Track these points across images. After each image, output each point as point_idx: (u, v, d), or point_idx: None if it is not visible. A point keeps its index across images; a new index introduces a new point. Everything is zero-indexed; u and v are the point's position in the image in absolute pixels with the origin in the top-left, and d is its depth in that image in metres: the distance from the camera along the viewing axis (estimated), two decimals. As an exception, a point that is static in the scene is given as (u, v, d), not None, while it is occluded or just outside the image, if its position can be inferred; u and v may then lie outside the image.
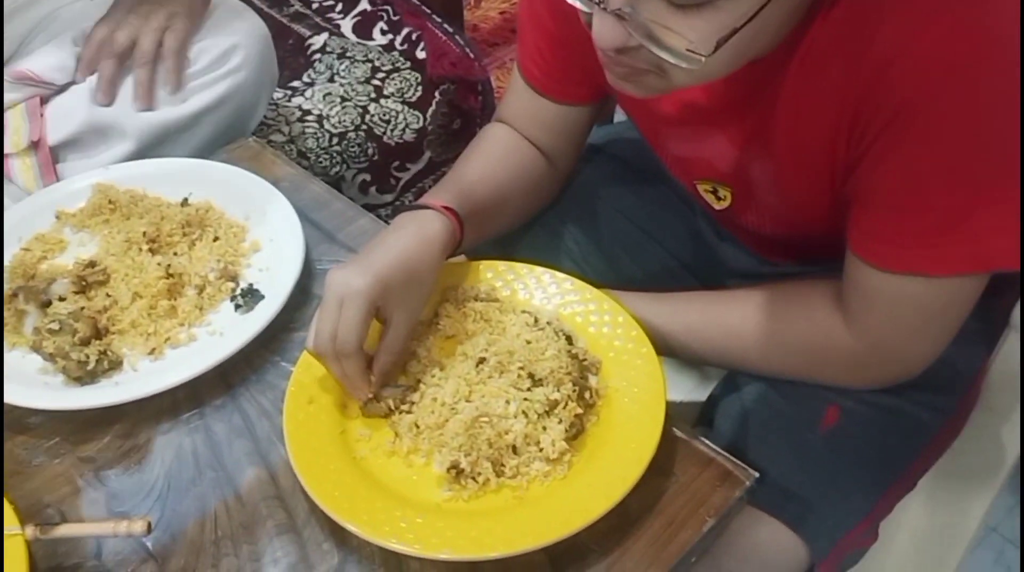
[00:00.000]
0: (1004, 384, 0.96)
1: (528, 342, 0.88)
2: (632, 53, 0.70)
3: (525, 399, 0.82)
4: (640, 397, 0.84)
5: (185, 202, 1.08)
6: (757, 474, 0.82)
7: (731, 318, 0.93)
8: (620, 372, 0.87)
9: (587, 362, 0.88)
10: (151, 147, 1.18)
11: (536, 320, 0.91)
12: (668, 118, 0.91)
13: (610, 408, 0.85)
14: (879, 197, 0.79)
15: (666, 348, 0.95)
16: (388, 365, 0.86)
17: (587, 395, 0.84)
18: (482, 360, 0.86)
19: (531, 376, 0.84)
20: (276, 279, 0.99)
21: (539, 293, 0.95)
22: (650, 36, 0.68)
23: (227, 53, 1.21)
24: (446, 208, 0.91)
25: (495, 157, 1.03)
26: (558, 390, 0.83)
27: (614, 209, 1.13)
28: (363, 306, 0.81)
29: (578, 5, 0.71)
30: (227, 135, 1.23)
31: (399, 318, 0.85)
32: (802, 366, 0.91)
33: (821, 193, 0.86)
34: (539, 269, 0.97)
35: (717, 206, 0.98)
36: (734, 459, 0.83)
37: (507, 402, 0.82)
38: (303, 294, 1.00)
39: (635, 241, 1.13)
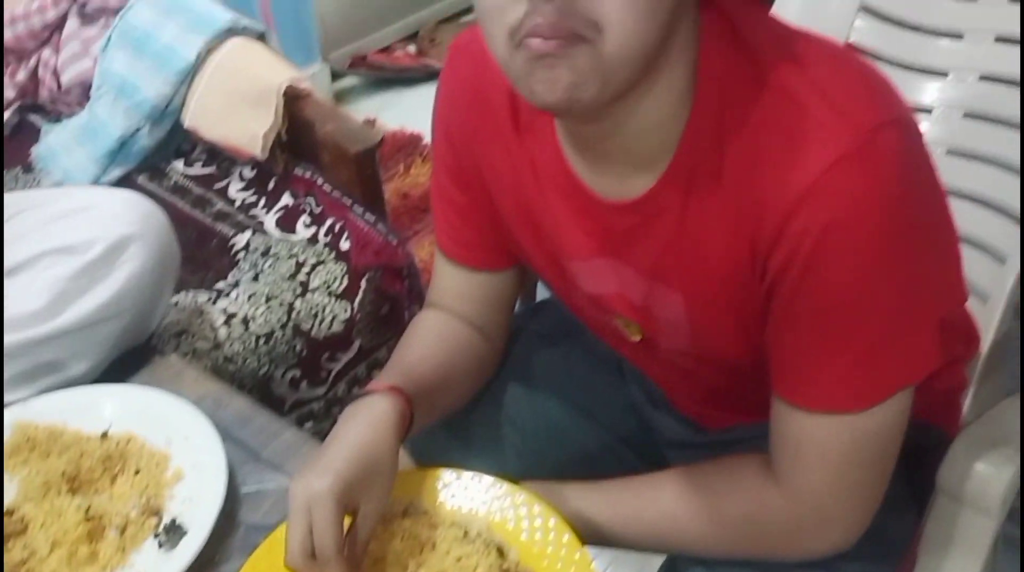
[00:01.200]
0: (937, 548, 0.96)
1: (458, 559, 0.87)
2: (561, 14, 0.69)
3: (456, 625, 0.80)
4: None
5: (105, 435, 1.06)
6: None
7: (665, 501, 0.93)
8: (554, 580, 0.86)
9: (520, 573, 0.86)
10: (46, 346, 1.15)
11: (466, 533, 0.90)
12: (574, 256, 0.92)
13: (546, 622, 0.83)
14: (795, 336, 0.80)
15: (606, 539, 0.94)
16: (360, 555, 0.85)
17: (520, 612, 0.83)
18: (411, 585, 0.85)
19: (462, 599, 0.82)
20: (200, 510, 0.97)
21: (468, 500, 0.94)
22: None
23: (122, 244, 1.17)
24: (391, 388, 0.91)
25: (431, 339, 1.04)
26: (489, 612, 0.81)
27: (546, 387, 1.14)
28: (332, 508, 0.80)
29: None
30: (130, 330, 1.19)
31: (366, 510, 0.84)
32: (741, 540, 0.90)
33: (732, 330, 0.86)
34: (467, 474, 0.96)
35: (632, 339, 0.98)
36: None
37: (437, 632, 0.80)
38: (229, 522, 0.98)
39: (570, 419, 1.13)
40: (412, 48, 3.33)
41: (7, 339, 1.12)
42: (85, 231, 1.18)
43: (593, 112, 0.76)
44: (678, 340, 0.92)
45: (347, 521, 0.84)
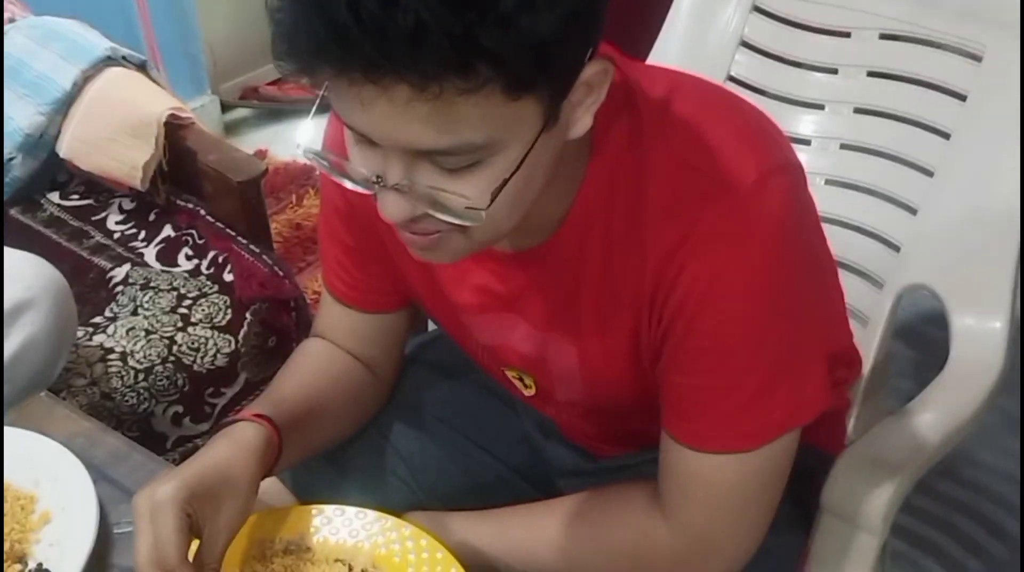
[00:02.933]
0: (824, 565, 0.97)
1: (341, 595, 0.84)
2: (423, 221, 0.71)
3: (339, 664, 0.77)
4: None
5: (-35, 478, 1.00)
6: None
7: (551, 531, 0.92)
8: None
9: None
10: None
11: (350, 568, 0.87)
12: (469, 309, 0.91)
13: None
14: (685, 378, 0.81)
15: (494, 569, 0.93)
16: (213, 569, 0.80)
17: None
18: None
19: (345, 637, 0.80)
20: (68, 554, 0.91)
21: (353, 535, 0.92)
22: (432, 202, 0.69)
23: (19, 308, 1.16)
24: (258, 416, 0.88)
25: (310, 370, 1.01)
26: (374, 649, 0.78)
27: (437, 419, 1.12)
28: (174, 513, 0.77)
29: (358, 189, 0.72)
30: (22, 393, 1.16)
31: (214, 526, 0.80)
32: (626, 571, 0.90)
33: (627, 377, 0.87)
34: (350, 509, 0.93)
35: (526, 393, 0.98)
36: None
37: (318, 674, 0.77)
38: (101, 564, 0.93)
39: (462, 451, 1.12)
40: (305, 79, 3.29)
41: None
42: None
43: None
44: (571, 391, 0.92)
45: (194, 545, 0.80)
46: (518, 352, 0.92)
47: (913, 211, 1.13)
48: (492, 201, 0.69)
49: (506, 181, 0.69)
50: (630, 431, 0.99)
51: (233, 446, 0.85)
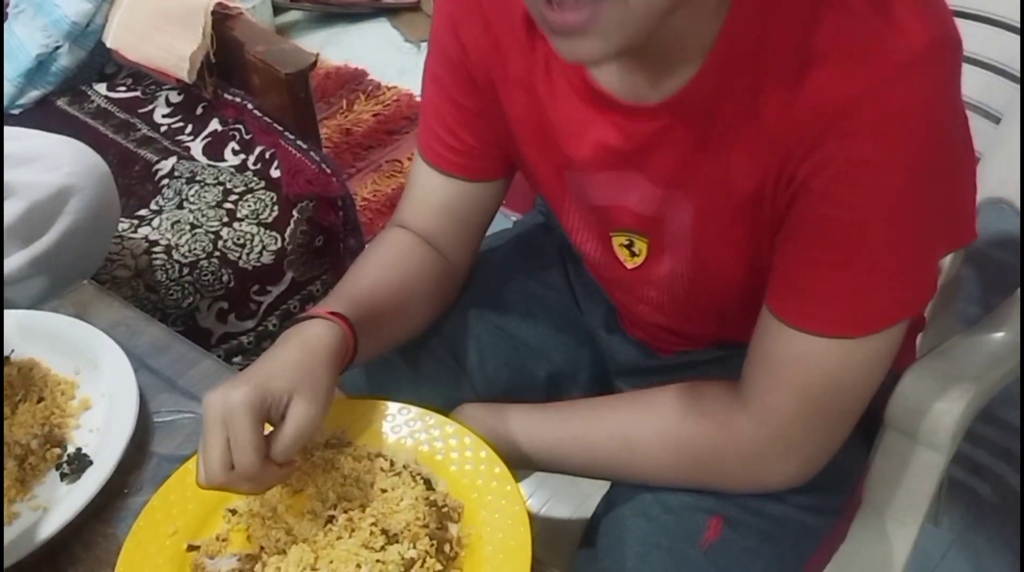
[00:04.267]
0: (884, 482, 0.93)
1: (383, 491, 0.82)
2: None
3: (378, 560, 0.75)
4: (505, 544, 0.78)
5: (7, 360, 0.99)
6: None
7: (616, 422, 0.89)
8: (484, 516, 0.81)
9: (447, 509, 0.81)
10: None
11: (392, 464, 0.85)
12: (587, 165, 0.86)
13: (473, 558, 0.79)
14: (806, 249, 0.76)
15: (549, 463, 0.91)
16: (283, 468, 0.79)
17: (447, 547, 0.78)
18: (331, 518, 0.80)
19: (385, 532, 0.77)
20: (108, 440, 0.90)
21: (395, 431, 0.89)
22: None
23: (62, 194, 1.14)
24: (333, 314, 0.84)
25: (390, 262, 0.97)
26: (414, 547, 0.76)
27: (496, 326, 1.08)
28: (250, 416, 0.74)
29: None
30: (66, 280, 1.14)
31: (285, 429, 0.77)
32: (694, 465, 0.86)
33: (741, 250, 0.82)
34: (394, 405, 0.91)
35: (630, 264, 0.92)
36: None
37: (358, 566, 0.75)
38: (140, 452, 0.92)
39: (526, 351, 1.08)
40: None
41: None
42: (26, 178, 1.13)
43: None
44: (680, 259, 0.87)
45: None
46: (634, 212, 0.86)
47: (996, 119, 1.06)
48: None
49: None
50: (709, 323, 0.95)
51: (305, 348, 0.81)
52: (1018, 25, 1.06)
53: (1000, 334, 0.96)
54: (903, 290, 0.77)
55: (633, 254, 0.91)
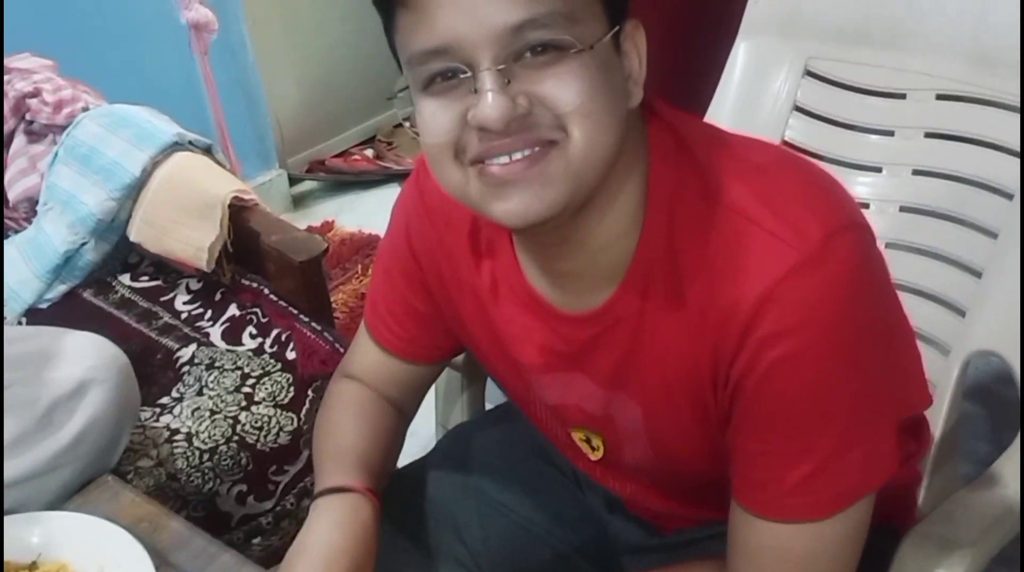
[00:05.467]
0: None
1: None
2: (520, 127, 0.71)
3: None
4: None
5: (33, 565, 1.02)
6: None
7: None
8: None
9: None
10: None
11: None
12: (534, 367, 0.91)
13: None
14: (755, 444, 0.79)
15: None
16: None
17: None
18: None
19: None
20: (130, 641, 0.92)
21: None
22: (529, 90, 0.71)
23: (82, 388, 1.19)
24: (369, 490, 0.88)
25: (374, 425, 1.02)
26: None
27: (498, 501, 1.11)
28: None
29: (449, 124, 0.73)
30: (87, 473, 1.18)
31: None
32: None
33: (694, 437, 0.85)
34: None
35: (592, 457, 0.96)
36: None
37: None
38: (161, 652, 0.94)
39: (524, 531, 1.10)
40: (370, 152, 3.36)
41: None
42: (46, 375, 1.18)
43: (559, 225, 0.76)
44: (638, 451, 0.91)
45: None
46: (584, 410, 0.91)
47: (977, 274, 1.10)
48: (584, 97, 0.70)
49: (591, 80, 0.71)
50: (697, 502, 0.97)
51: (339, 530, 0.85)
52: (997, 186, 1.11)
53: (1000, 490, 0.97)
54: (862, 468, 0.78)
55: (593, 448, 0.95)
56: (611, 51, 0.74)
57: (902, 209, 1.19)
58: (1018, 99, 1.10)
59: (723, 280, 0.75)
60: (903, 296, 1.13)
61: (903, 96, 1.21)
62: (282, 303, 1.59)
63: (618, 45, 0.75)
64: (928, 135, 1.19)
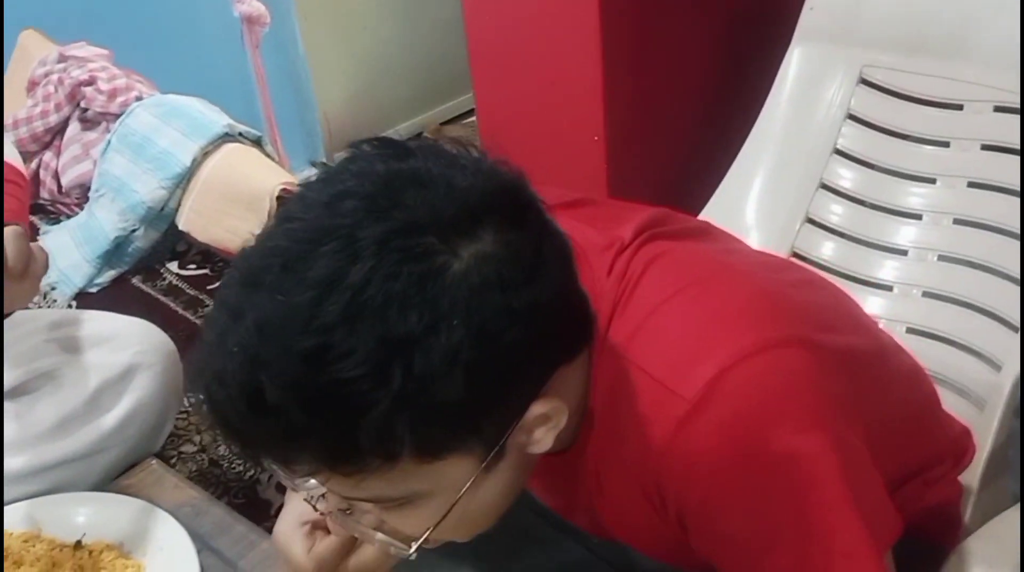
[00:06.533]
0: None
1: None
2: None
3: None
4: None
5: (79, 544, 1.04)
6: None
7: None
8: None
9: None
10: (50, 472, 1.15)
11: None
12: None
13: None
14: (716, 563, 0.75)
15: None
16: None
17: None
18: None
19: None
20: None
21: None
22: (368, 530, 0.69)
23: (129, 372, 1.21)
24: None
25: None
26: None
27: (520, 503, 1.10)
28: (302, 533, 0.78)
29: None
30: (132, 456, 1.20)
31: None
32: None
33: (671, 551, 0.82)
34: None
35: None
36: None
37: None
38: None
39: (544, 531, 1.09)
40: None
41: (10, 462, 1.13)
42: (95, 359, 1.20)
43: None
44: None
45: None
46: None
47: (1033, 289, 1.08)
48: (426, 535, 0.66)
49: (445, 516, 0.65)
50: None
51: None
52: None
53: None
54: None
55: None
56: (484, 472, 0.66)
57: (956, 221, 1.17)
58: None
59: (633, 443, 0.71)
60: (954, 309, 1.13)
61: (960, 107, 1.19)
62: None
63: (503, 452, 0.66)
64: (985, 147, 1.17)
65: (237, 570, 1.03)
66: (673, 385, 0.68)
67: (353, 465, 0.59)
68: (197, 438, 1.38)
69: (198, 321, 1.66)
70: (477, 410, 0.60)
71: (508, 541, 1.07)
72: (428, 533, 0.66)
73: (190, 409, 1.45)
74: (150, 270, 1.80)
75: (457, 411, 0.59)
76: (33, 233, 1.90)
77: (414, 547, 0.67)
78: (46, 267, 0.97)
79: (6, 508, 1.09)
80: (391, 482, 0.61)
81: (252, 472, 1.41)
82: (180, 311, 1.69)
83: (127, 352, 1.23)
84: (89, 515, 1.07)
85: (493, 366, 0.59)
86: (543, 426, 0.66)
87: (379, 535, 0.69)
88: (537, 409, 0.64)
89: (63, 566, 1.01)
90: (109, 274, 1.77)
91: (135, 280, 1.78)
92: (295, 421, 0.57)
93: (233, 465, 1.39)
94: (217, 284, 1.75)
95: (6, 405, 1.17)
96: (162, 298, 1.72)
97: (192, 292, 1.74)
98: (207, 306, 1.70)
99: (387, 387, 0.56)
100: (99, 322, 1.30)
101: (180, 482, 1.16)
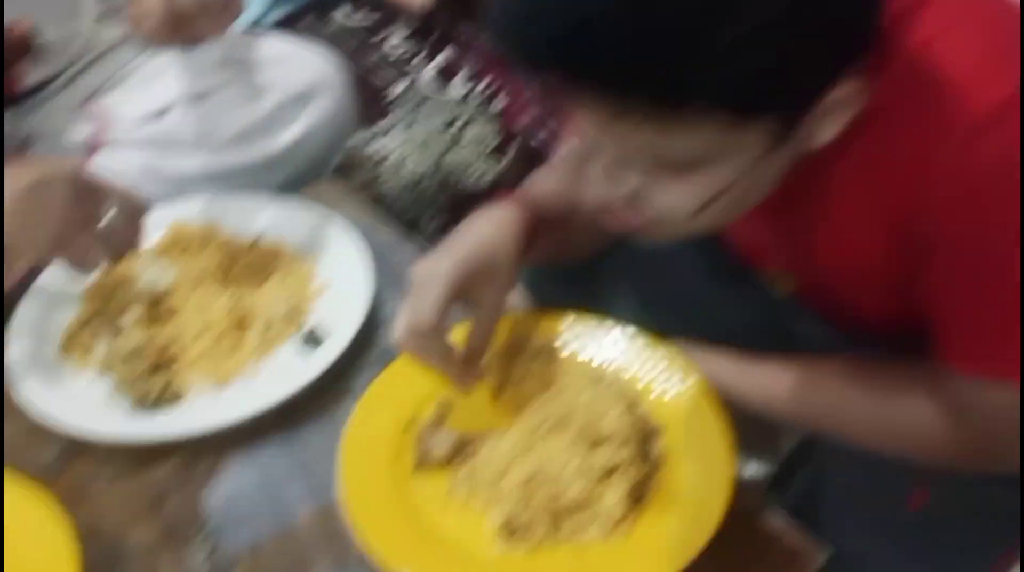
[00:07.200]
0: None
1: (589, 402, 0.84)
2: (632, 204, 0.71)
3: (585, 460, 0.80)
4: (706, 466, 0.81)
5: (255, 244, 1.08)
6: (832, 550, 0.78)
7: (831, 392, 0.85)
8: (686, 438, 0.84)
9: (650, 426, 0.85)
10: (226, 178, 1.20)
11: (598, 378, 0.88)
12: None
13: (673, 475, 0.82)
14: (960, 311, 0.74)
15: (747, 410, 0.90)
16: (480, 350, 0.86)
17: (649, 459, 0.82)
18: (541, 418, 0.84)
19: (591, 437, 0.81)
20: (340, 324, 0.98)
21: (603, 349, 0.92)
22: (640, 193, 0.70)
23: (305, 95, 1.23)
24: (514, 201, 0.90)
25: (562, 180, 0.99)
26: (618, 452, 0.80)
27: (678, 271, 1.09)
28: (443, 286, 0.80)
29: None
30: (307, 173, 1.23)
31: (486, 301, 0.85)
32: (907, 450, 0.82)
33: (882, 300, 0.81)
34: (607, 322, 0.94)
35: (784, 291, 0.93)
36: (806, 534, 0.79)
37: (566, 462, 0.80)
38: (366, 341, 0.99)
39: (709, 294, 1.08)
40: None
41: (189, 163, 1.17)
42: (276, 75, 1.22)
43: None
44: (830, 297, 0.87)
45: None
46: (773, 254, 0.89)
47: None
48: (702, 209, 0.68)
49: (720, 193, 0.68)
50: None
51: (496, 227, 0.86)
52: None
53: None
54: None
55: (785, 285, 0.93)
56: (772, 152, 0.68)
57: None
58: None
59: (906, 145, 0.70)
60: None
61: None
62: (495, 54, 1.58)
63: (793, 134, 0.68)
64: None
65: (406, 285, 1.05)
66: (978, 87, 0.67)
67: (677, 101, 0.60)
68: (360, 174, 1.41)
69: (362, 70, 1.66)
70: (799, 68, 0.62)
71: (666, 306, 1.08)
72: (706, 203, 0.68)
73: (355, 146, 1.47)
74: (318, 14, 1.78)
75: (779, 68, 0.60)
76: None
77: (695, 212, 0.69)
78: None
79: (183, 201, 1.14)
80: (690, 140, 0.64)
81: (411, 213, 1.44)
82: (345, 59, 1.68)
83: (306, 72, 1.25)
84: (267, 218, 1.11)
85: (819, 28, 0.61)
86: (837, 111, 0.67)
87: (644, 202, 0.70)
88: (840, 91, 0.65)
89: (238, 262, 1.05)
90: (276, 13, 1.76)
91: (303, 23, 1.77)
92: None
93: (395, 203, 1.43)
94: (385, 33, 1.74)
95: (186, 108, 1.21)
96: (328, 43, 1.71)
97: (359, 38, 1.72)
98: (373, 56, 1.69)
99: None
100: (279, 46, 1.32)
101: (358, 202, 1.18)
